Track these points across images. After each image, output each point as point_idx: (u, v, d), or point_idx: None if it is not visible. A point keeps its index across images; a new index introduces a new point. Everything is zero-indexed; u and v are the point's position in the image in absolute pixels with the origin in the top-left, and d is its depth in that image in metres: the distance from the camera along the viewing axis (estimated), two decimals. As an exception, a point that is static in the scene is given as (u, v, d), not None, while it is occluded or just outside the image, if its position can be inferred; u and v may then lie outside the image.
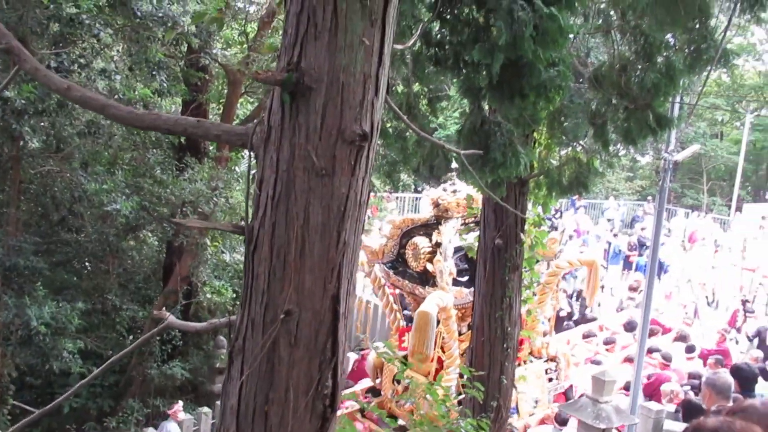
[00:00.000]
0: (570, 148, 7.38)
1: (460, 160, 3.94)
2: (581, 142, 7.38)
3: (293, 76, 2.42)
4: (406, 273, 10.42)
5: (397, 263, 10.59)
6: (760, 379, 9.35)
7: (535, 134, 7.17)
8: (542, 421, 10.22)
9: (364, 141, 2.50)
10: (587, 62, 6.91)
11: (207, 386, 12.95)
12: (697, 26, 5.70)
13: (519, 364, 10.05)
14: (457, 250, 10.13)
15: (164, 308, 12.19)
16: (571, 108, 7.08)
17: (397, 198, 20.47)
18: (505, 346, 7.62)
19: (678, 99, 8.74)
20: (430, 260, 10.03)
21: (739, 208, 27.11)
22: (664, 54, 5.92)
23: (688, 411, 7.43)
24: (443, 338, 9.56)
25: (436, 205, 10.24)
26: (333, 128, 2.48)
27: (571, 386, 11.06)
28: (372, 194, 12.43)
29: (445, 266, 9.65)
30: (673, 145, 9.64)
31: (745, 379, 7.74)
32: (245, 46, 12.72)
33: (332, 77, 2.45)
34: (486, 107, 5.38)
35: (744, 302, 15.73)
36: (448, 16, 4.71)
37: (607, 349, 12.52)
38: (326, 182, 2.50)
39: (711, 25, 5.81)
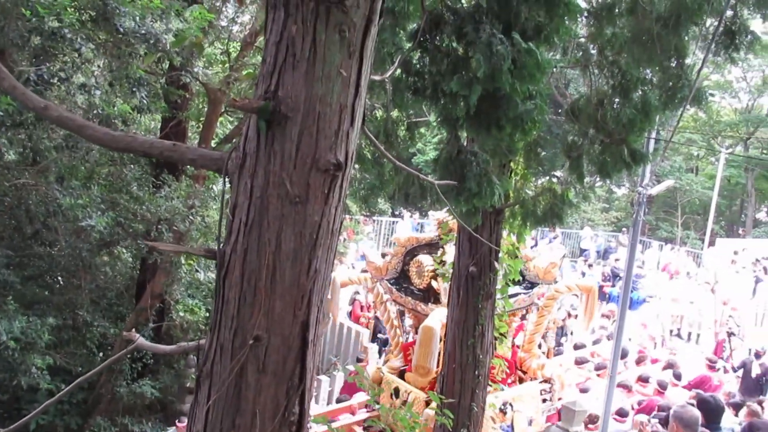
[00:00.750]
0: (546, 179, 7.46)
1: (435, 189, 3.97)
2: (557, 173, 7.46)
3: (270, 105, 2.45)
4: (408, 290, 10.75)
5: (401, 280, 10.88)
6: (728, 411, 9.42)
7: (512, 164, 7.25)
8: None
9: (339, 170, 2.53)
10: (567, 93, 7.00)
11: (177, 405, 12.81)
12: (673, 65, 5.81)
13: (509, 385, 10.55)
14: None
15: (136, 326, 12.11)
16: (548, 140, 7.17)
17: (374, 221, 20.52)
18: (476, 373, 7.64)
19: (654, 134, 8.88)
20: (434, 278, 10.37)
21: (712, 243, 27.42)
22: (641, 90, 6.02)
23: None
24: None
25: (441, 225, 10.48)
26: (308, 157, 2.50)
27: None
28: (348, 217, 12.45)
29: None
30: (647, 179, 9.75)
31: (711, 411, 7.78)
32: (227, 65, 12.74)
33: (309, 107, 2.48)
34: (463, 137, 5.44)
35: (730, 334, 15.93)
36: (429, 47, 4.78)
37: (598, 375, 12.63)
38: (299, 210, 2.52)
39: (687, 63, 5.92)
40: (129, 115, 11.43)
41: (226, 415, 2.62)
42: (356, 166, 6.22)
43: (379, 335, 14.21)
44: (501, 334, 10.51)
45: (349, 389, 12.29)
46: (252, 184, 2.54)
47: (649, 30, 5.59)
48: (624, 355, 13.22)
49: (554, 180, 7.34)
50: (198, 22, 10.09)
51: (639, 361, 13.76)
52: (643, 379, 12.40)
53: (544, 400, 11.19)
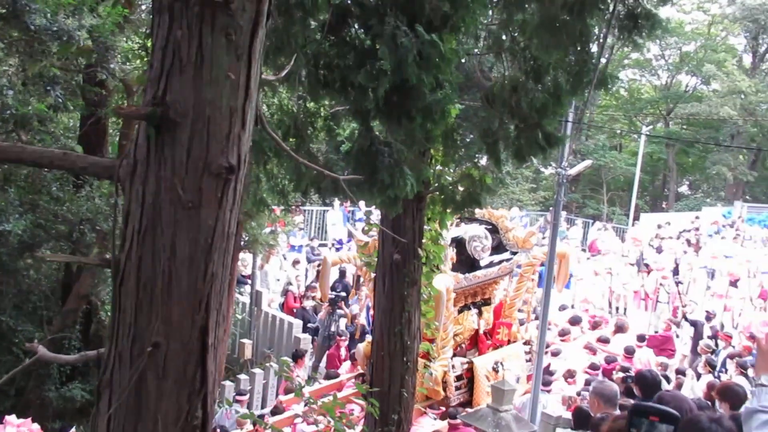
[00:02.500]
0: (467, 165, 7.56)
1: (343, 184, 4.00)
2: (476, 158, 7.56)
3: (158, 111, 2.43)
4: None
5: None
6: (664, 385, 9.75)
7: (432, 151, 7.31)
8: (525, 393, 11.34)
9: (231, 173, 2.53)
10: (492, 77, 7.08)
11: (108, 407, 12.62)
12: (579, 50, 5.93)
13: (499, 347, 11.87)
14: (453, 240, 11.34)
15: (63, 329, 11.89)
16: (465, 126, 7.25)
17: (304, 211, 20.45)
18: (405, 359, 7.70)
19: (570, 116, 9.07)
20: None
21: (637, 218, 28.19)
22: (552, 75, 6.14)
23: (578, 418, 7.67)
24: (438, 318, 10.56)
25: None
26: (199, 161, 2.49)
27: (549, 365, 12.07)
28: (275, 208, 12.42)
29: (446, 253, 10.37)
30: (566, 160, 9.97)
31: (648, 386, 8.00)
32: (146, 59, 12.49)
33: (198, 111, 2.47)
34: (377, 128, 5.47)
35: (678, 283, 17.13)
36: (336, 40, 4.79)
37: (562, 340, 13.61)
38: (193, 215, 2.51)
39: (593, 48, 6.05)
40: (45, 113, 11.16)
41: (128, 423, 2.60)
42: (274, 161, 6.20)
43: (309, 325, 14.25)
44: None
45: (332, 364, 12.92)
46: (144, 190, 2.52)
47: (556, 16, 5.68)
48: (578, 322, 14.57)
49: (474, 165, 7.44)
50: (113, 17, 9.90)
51: (595, 326, 14.59)
52: (603, 341, 13.35)
53: (527, 360, 12.28)
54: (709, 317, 15.34)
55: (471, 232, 11.64)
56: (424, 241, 7.91)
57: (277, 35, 4.99)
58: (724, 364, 12.50)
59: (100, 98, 12.25)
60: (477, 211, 12.19)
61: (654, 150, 36.08)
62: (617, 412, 6.33)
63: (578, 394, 10.62)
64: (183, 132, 2.47)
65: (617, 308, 18.28)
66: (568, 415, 9.63)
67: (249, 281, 15.11)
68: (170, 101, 2.45)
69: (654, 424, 2.71)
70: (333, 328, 13.75)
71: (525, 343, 12.57)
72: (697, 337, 14.00)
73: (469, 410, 10.13)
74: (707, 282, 18.32)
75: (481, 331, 12.14)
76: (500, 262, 11.89)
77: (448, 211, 7.51)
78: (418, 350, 8.06)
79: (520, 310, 13.12)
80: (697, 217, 25.41)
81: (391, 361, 7.67)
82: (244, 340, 13.56)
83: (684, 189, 41.52)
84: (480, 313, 12.11)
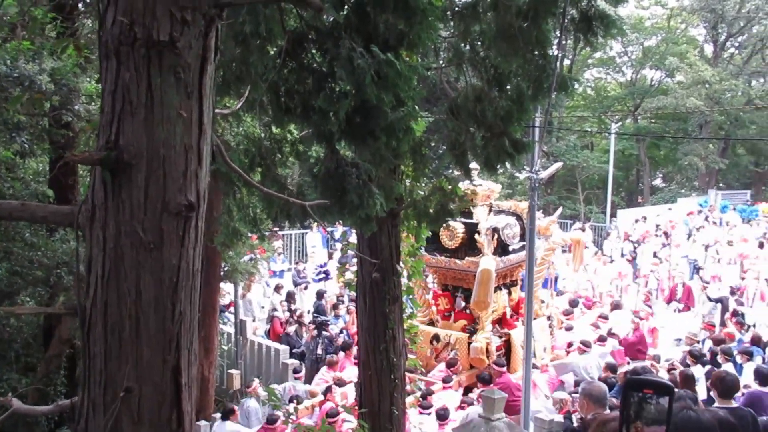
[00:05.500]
0: (435, 179, 7.57)
1: (310, 209, 3.99)
2: (448, 170, 7.58)
3: (112, 154, 2.42)
4: (439, 250, 13.08)
5: (430, 244, 12.20)
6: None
7: (402, 167, 7.32)
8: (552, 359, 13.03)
9: (191, 211, 2.52)
10: (458, 87, 7.10)
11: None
12: (537, 55, 5.97)
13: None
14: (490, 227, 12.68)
15: (47, 375, 11.75)
16: (435, 139, 7.26)
17: (283, 236, 20.32)
18: (392, 377, 7.68)
19: (537, 122, 9.12)
20: (463, 240, 12.75)
21: (614, 214, 28.33)
22: (514, 82, 6.17)
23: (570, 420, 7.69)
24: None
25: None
26: (157, 201, 2.49)
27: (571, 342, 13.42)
28: (253, 236, 12.39)
29: (486, 239, 12.28)
30: (537, 164, 10.00)
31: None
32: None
33: (152, 152, 2.46)
34: (344, 149, 5.47)
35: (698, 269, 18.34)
36: (294, 66, 4.80)
37: (567, 318, 14.92)
38: (156, 255, 2.49)
39: (552, 53, 6.09)
40: (12, 160, 11.06)
41: (107, 471, 2.57)
42: (244, 190, 6.19)
43: (294, 350, 14.18)
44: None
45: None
46: (104, 235, 2.51)
47: (512, 24, 5.71)
48: (576, 304, 15.62)
49: (445, 177, 7.45)
50: (72, 60, 9.84)
51: (590, 307, 15.85)
52: (603, 317, 14.50)
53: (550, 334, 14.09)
54: (733, 291, 15.98)
55: (503, 221, 13.04)
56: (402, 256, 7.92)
57: (236, 65, 5.00)
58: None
59: (67, 140, 12.13)
60: (504, 203, 14.01)
61: (625, 146, 36.28)
62: (607, 411, 6.35)
63: (570, 394, 10.64)
64: (139, 173, 2.46)
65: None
66: (560, 418, 9.64)
67: (233, 311, 15.02)
68: (123, 144, 2.44)
69: (648, 397, 2.72)
70: (319, 351, 13.68)
71: (547, 318, 14.12)
72: (724, 311, 14.72)
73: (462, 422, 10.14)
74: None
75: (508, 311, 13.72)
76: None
77: (423, 225, 7.52)
78: (405, 366, 8.04)
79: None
80: (669, 209, 25.70)
81: (378, 380, 7.64)
82: (232, 371, 13.45)
83: (658, 182, 41.81)
84: (509, 293, 13.63)
